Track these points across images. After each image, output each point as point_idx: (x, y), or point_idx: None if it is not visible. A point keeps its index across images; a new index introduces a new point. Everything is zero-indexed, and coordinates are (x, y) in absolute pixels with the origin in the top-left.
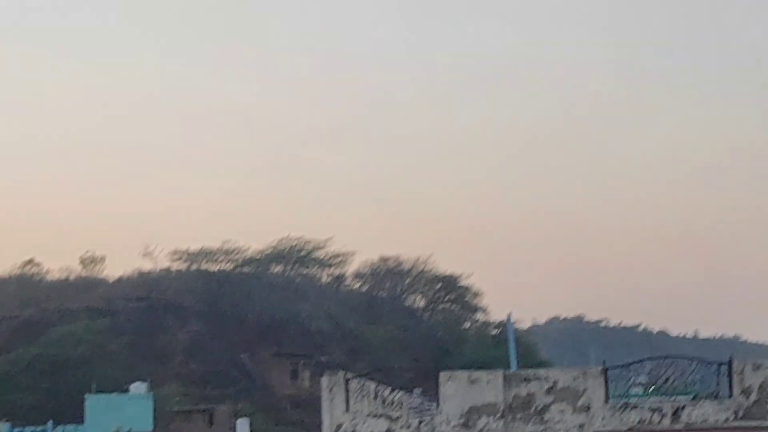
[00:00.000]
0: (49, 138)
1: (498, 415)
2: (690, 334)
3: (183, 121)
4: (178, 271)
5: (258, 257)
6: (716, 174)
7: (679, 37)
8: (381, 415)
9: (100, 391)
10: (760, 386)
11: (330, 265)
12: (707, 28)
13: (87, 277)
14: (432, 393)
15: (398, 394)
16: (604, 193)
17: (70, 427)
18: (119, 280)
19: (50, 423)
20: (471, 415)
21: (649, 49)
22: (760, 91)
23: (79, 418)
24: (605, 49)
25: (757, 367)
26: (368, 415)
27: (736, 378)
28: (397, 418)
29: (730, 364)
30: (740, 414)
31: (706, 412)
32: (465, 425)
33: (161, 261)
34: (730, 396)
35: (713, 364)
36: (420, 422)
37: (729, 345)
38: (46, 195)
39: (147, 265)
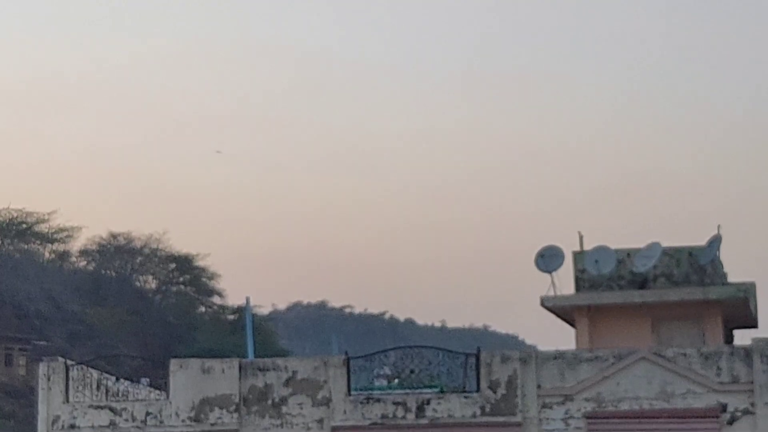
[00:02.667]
0: None
1: (232, 407)
2: (438, 324)
3: None
4: None
5: None
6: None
7: None
8: (104, 407)
9: None
10: (508, 380)
11: (53, 241)
12: None
13: None
14: (161, 382)
15: (124, 384)
16: (347, 176)
17: None
18: None
19: None
20: (203, 407)
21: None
22: None
23: None
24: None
25: (505, 359)
26: (89, 407)
27: (483, 370)
28: (122, 410)
29: (477, 356)
30: (487, 409)
31: (453, 406)
32: (195, 419)
33: None
34: (478, 390)
35: (461, 355)
36: (147, 415)
37: (478, 335)
38: None
39: None
